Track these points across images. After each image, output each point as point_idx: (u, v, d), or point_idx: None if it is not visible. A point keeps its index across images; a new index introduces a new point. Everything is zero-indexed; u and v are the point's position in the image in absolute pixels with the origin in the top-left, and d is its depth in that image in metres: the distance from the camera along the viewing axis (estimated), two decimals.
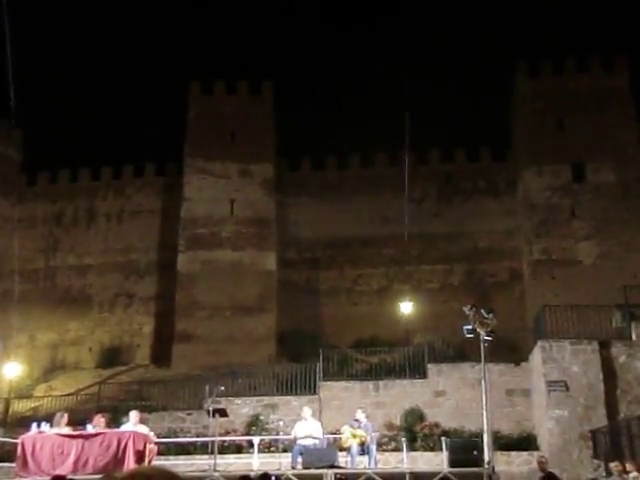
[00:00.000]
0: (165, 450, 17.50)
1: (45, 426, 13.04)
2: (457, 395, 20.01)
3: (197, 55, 60.17)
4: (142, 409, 16.11)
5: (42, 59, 60.08)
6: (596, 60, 32.31)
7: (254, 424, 20.02)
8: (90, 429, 12.95)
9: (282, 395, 21.12)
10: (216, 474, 12.18)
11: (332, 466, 12.51)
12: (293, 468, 13.34)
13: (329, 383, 20.98)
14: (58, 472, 11.33)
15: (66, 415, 13.42)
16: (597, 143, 30.62)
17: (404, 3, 59.40)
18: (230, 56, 59.10)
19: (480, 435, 13.79)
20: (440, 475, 12.13)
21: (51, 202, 35.79)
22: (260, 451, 15.79)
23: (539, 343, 18.45)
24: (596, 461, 16.54)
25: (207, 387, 19.20)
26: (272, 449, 17.98)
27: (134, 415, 13.48)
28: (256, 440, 15.35)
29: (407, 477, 12.55)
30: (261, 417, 20.28)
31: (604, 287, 26.31)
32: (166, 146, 51.91)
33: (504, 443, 18.08)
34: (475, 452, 12.86)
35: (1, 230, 34.39)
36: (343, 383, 21.04)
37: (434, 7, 60.88)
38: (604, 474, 15.80)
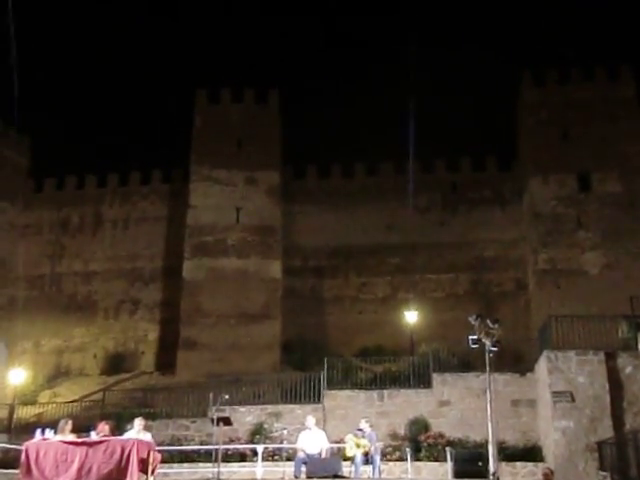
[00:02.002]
0: (169, 458, 17.45)
1: (49, 433, 13.04)
2: (462, 405, 19.90)
3: (204, 63, 60.48)
4: (146, 416, 16.07)
5: (49, 67, 60.47)
6: (602, 70, 32.33)
7: (258, 432, 19.95)
8: (94, 436, 12.94)
9: (286, 404, 21.04)
10: None
11: (336, 476, 12.48)
12: (296, 477, 13.29)
13: (333, 392, 20.90)
14: (62, 479, 11.31)
15: (70, 422, 13.39)
16: (603, 153, 30.59)
17: (410, 13, 59.62)
18: (236, 64, 59.38)
19: (485, 446, 13.74)
20: None
21: (57, 208, 35.92)
22: (264, 460, 15.76)
23: (545, 353, 18.36)
24: (602, 473, 16.42)
25: (211, 395, 19.17)
26: (276, 458, 17.90)
27: (138, 423, 13.47)
28: (260, 449, 15.32)
29: None
30: (265, 425, 20.21)
31: (610, 297, 26.19)
32: (172, 154, 52.10)
33: (509, 454, 17.94)
34: (480, 463, 12.83)
35: (7, 236, 34.53)
36: (347, 392, 20.95)
37: (440, 16, 61.08)
38: None
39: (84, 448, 12.27)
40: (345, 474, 13.33)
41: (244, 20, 62.82)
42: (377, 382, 21.78)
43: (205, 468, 16.26)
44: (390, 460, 17.72)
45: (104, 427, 13.38)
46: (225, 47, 63.17)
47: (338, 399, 20.66)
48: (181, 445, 19.30)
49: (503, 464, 16.64)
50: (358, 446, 13.90)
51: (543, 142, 31.40)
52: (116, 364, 32.23)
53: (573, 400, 17.46)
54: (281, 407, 20.88)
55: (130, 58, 61.38)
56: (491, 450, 12.70)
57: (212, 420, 14.12)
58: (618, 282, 28.08)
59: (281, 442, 18.06)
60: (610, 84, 31.99)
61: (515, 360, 21.65)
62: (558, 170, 30.84)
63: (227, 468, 15.84)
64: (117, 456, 12.05)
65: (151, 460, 12.25)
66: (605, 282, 28.69)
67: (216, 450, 14.03)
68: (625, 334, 19.02)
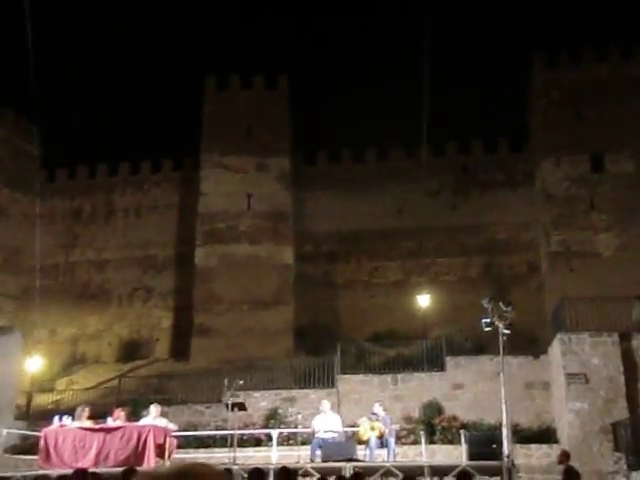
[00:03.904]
0: (185, 443, 17.64)
1: (67, 419, 13.23)
2: (475, 388, 19.96)
3: (212, 50, 60.27)
4: (161, 402, 16.24)
5: (60, 57, 60.48)
6: (615, 49, 31.87)
7: (272, 417, 20.11)
8: (111, 423, 13.11)
9: (300, 388, 21.20)
10: (235, 467, 12.26)
11: (351, 459, 12.54)
12: (312, 461, 13.39)
13: (347, 376, 21.02)
14: (80, 465, 11.49)
15: (87, 409, 13.60)
16: (616, 133, 30.22)
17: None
18: (245, 50, 59.11)
19: (499, 428, 13.75)
20: (459, 468, 12.11)
21: (70, 198, 36.13)
22: (279, 444, 15.88)
23: (558, 336, 18.33)
24: (617, 454, 16.43)
25: (225, 381, 19.31)
26: (291, 442, 18.05)
27: (154, 409, 13.62)
28: (275, 433, 15.43)
29: (426, 470, 12.56)
30: (279, 410, 20.37)
31: (624, 279, 26.04)
32: (183, 141, 52.09)
33: (523, 436, 18.01)
34: (494, 445, 12.83)
35: (21, 226, 34.76)
36: (361, 376, 21.06)
37: None
38: (625, 467, 15.70)
39: (101, 434, 12.48)
40: (360, 457, 13.41)
41: (253, 6, 62.48)
42: (390, 366, 21.88)
43: (221, 453, 16.40)
44: (404, 443, 17.81)
45: (120, 414, 13.58)
46: (234, 33, 62.94)
47: (352, 383, 20.77)
48: (197, 430, 19.48)
49: (517, 446, 16.68)
50: (372, 429, 13.96)
51: (555, 123, 31.07)
52: (131, 351, 32.50)
53: (587, 382, 17.45)
54: (295, 392, 21.03)
55: (139, 45, 61.33)
56: (505, 432, 12.72)
57: (227, 406, 14.22)
58: (632, 263, 27.88)
59: (295, 427, 18.19)
60: (623, 63, 31.56)
61: (529, 343, 21.65)
62: (570, 151, 30.54)
63: (243, 453, 15.98)
64: (134, 442, 12.24)
65: (167, 445, 12.41)
66: (619, 263, 28.48)
67: (231, 435, 14.15)
68: (639, 315, 18.93)
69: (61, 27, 61.02)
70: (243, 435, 17.90)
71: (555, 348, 18.80)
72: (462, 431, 15.34)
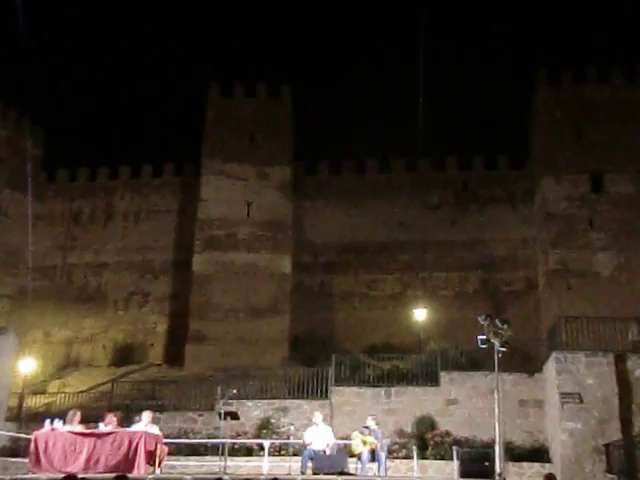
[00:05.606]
0: (176, 451, 17.53)
1: (58, 423, 13.15)
2: (469, 404, 19.89)
3: (217, 57, 60.48)
4: (154, 409, 16.16)
5: (63, 58, 60.68)
6: (617, 70, 32.04)
7: (265, 427, 20.02)
8: (102, 428, 13.03)
9: (294, 399, 21.09)
10: (226, 477, 12.18)
11: (342, 472, 12.49)
12: (302, 473, 13.32)
13: (341, 388, 20.93)
14: (70, 470, 11.41)
15: (79, 413, 13.50)
16: (616, 153, 30.34)
17: (423, 11, 59.31)
18: (249, 59, 59.34)
19: (492, 445, 13.72)
20: None
21: (69, 200, 36.08)
22: (270, 454, 15.78)
23: (554, 354, 18.30)
24: (609, 475, 16.37)
25: (219, 389, 19.24)
26: (282, 453, 17.96)
27: (147, 415, 13.55)
28: (266, 443, 15.34)
29: None
30: (272, 420, 20.27)
31: (621, 299, 26.06)
32: (185, 147, 52.17)
33: (516, 454, 17.94)
34: (486, 463, 12.80)
35: (19, 226, 34.68)
36: (355, 389, 20.97)
37: (453, 15, 60.82)
38: None
39: (92, 439, 12.39)
40: (351, 471, 13.35)
41: (257, 14, 62.80)
42: (384, 379, 21.77)
43: (212, 462, 16.32)
44: (396, 458, 17.74)
45: (112, 419, 13.49)
46: (238, 41, 63.20)
47: (345, 395, 20.69)
48: (188, 438, 19.38)
49: (510, 464, 16.64)
50: (365, 443, 13.91)
51: (556, 142, 31.17)
52: (125, 355, 32.36)
53: (581, 402, 17.41)
54: (288, 402, 20.93)
55: (143, 51, 61.57)
56: (498, 450, 12.69)
57: (219, 414, 14.16)
58: (629, 284, 27.91)
59: (288, 437, 18.11)
60: (625, 84, 31.71)
61: (523, 360, 21.55)
62: (571, 170, 30.63)
63: (234, 462, 15.89)
64: (125, 448, 12.16)
65: (158, 452, 12.35)
66: (616, 284, 28.51)
67: (223, 444, 14.08)
68: (635, 336, 18.94)
69: (67, 30, 61.29)
70: (235, 444, 17.81)
71: (550, 366, 18.76)
72: (454, 447, 15.28)
